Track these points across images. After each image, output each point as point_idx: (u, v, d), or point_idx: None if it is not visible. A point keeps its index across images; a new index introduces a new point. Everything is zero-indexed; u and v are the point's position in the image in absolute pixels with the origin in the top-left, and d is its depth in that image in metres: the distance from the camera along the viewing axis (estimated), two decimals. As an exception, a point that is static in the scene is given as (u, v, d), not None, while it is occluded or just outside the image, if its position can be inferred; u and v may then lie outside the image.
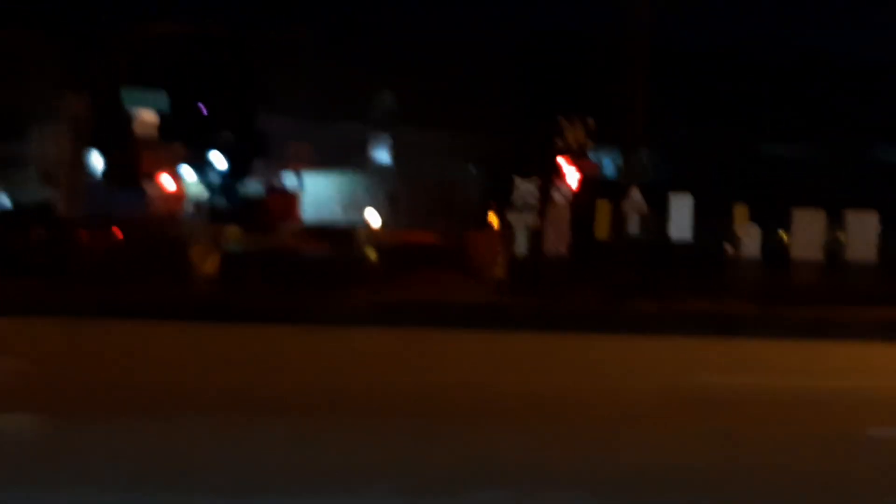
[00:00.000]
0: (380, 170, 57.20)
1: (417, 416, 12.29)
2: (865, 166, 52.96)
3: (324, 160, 53.65)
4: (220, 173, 60.28)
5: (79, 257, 26.55)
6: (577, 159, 30.48)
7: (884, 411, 13.77)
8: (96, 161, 42.62)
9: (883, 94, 57.82)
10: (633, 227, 27.04)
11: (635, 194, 27.06)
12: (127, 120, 31.10)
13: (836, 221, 28.05)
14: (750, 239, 27.31)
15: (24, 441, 10.33)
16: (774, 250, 27.99)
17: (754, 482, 9.83)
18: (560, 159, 30.60)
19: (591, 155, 34.19)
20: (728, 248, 27.54)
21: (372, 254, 32.65)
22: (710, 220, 27.78)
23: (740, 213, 27.18)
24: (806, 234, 27.64)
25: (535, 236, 26.79)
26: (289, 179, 53.14)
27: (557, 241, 26.46)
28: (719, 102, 54.92)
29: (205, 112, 56.23)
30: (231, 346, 18.11)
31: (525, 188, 26.93)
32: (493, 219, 31.43)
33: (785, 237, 28.42)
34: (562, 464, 10.22)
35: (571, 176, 29.83)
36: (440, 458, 10.21)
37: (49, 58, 40.76)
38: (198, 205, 49.01)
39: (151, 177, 31.56)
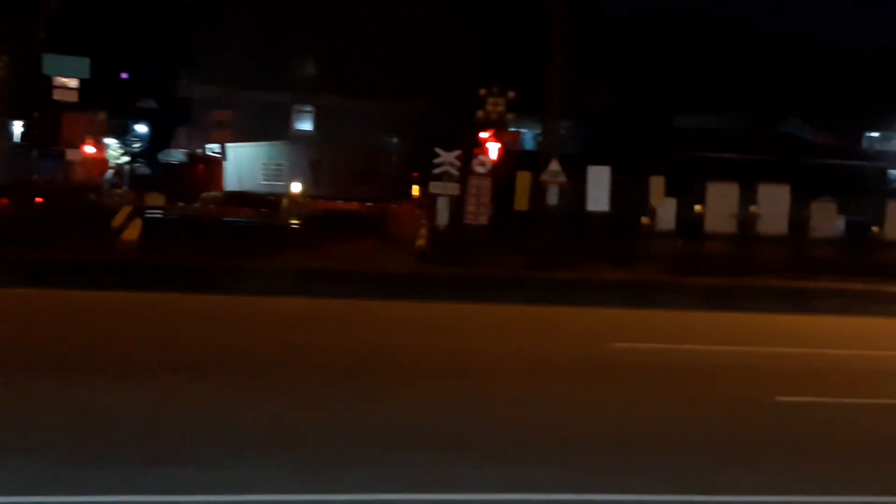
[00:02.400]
0: (302, 138, 57.08)
1: (335, 382, 12.51)
2: (778, 140, 53.75)
3: (247, 128, 53.49)
4: (143, 140, 59.87)
5: (-1, 222, 26.24)
6: (498, 131, 30.73)
7: (790, 378, 14.22)
8: (17, 127, 42.18)
9: (797, 68, 58.67)
10: (552, 197, 27.37)
11: (554, 165, 27.39)
12: (48, 85, 30.75)
13: (749, 194, 28.54)
14: (665, 211, 27.65)
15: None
16: (689, 222, 28.38)
17: (664, 444, 10.21)
18: (481, 130, 30.82)
19: (512, 126, 34.45)
20: (644, 219, 27.86)
21: (294, 221, 32.66)
22: (628, 192, 28.13)
23: (657, 185, 27.47)
24: (719, 206, 28.09)
25: (457, 206, 26.98)
26: (211, 147, 52.97)
27: (478, 212, 26.73)
28: (638, 75, 55.44)
29: (126, 78, 55.77)
30: (152, 312, 18.15)
31: (447, 159, 27.09)
32: (415, 188, 31.62)
33: (699, 209, 28.83)
34: (476, 427, 10.50)
35: (492, 147, 30.10)
36: (354, 423, 10.38)
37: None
38: (119, 171, 48.69)
39: (73, 143, 31.30)
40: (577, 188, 27.64)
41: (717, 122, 57.57)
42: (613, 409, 11.69)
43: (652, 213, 27.75)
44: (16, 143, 41.23)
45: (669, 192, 27.67)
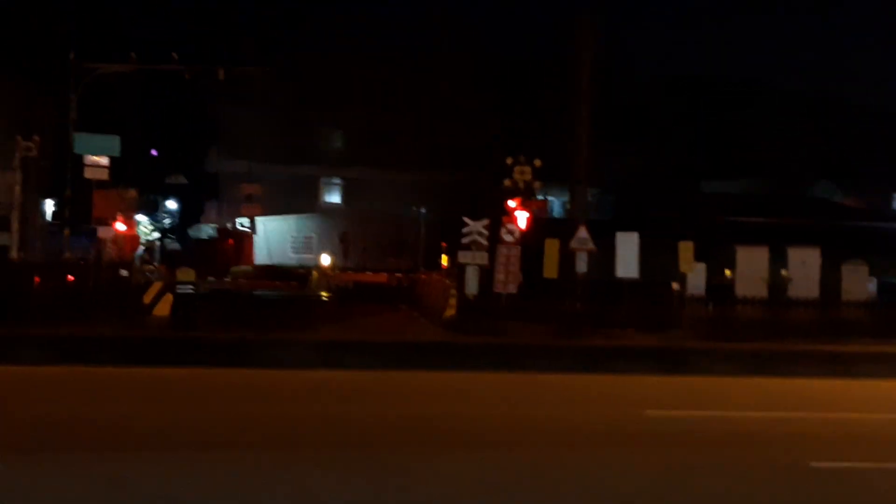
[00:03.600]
0: (331, 210, 57.32)
1: (365, 453, 12.46)
2: (807, 203, 53.55)
3: (276, 201, 53.78)
4: (173, 215, 60.37)
5: (32, 300, 26.39)
6: (526, 199, 30.78)
7: (825, 444, 14.12)
8: (49, 205, 42.61)
9: (824, 130, 58.60)
10: (581, 265, 27.32)
11: (582, 232, 27.37)
12: (79, 164, 31.09)
13: (779, 258, 28.42)
14: (695, 276, 27.54)
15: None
16: (720, 287, 28.26)
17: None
18: (509, 199, 30.89)
19: (539, 194, 34.54)
20: (674, 285, 27.75)
21: (324, 294, 32.75)
22: (657, 258, 28.05)
23: (685, 250, 27.39)
24: (750, 270, 27.97)
25: (486, 275, 26.96)
26: (241, 220, 53.24)
27: (507, 280, 26.71)
28: (664, 140, 55.56)
29: (156, 155, 56.36)
30: (184, 388, 18.19)
31: (475, 228, 27.14)
32: (443, 258, 31.68)
33: (730, 274, 28.72)
34: (508, 495, 10.42)
35: (520, 215, 30.14)
36: (384, 494, 10.34)
37: (0, 102, 40.66)
38: (150, 247, 49.04)
39: (104, 220, 31.55)
40: (605, 255, 27.59)
41: (745, 186, 57.50)
42: (649, 477, 11.58)
43: (682, 279, 27.65)
44: (48, 222, 41.63)
45: (699, 257, 27.57)
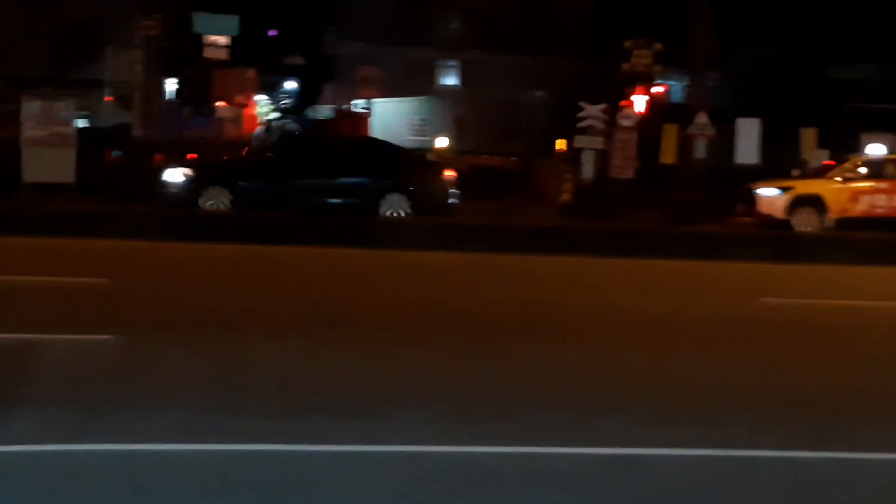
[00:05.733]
0: (448, 93, 57.09)
1: (478, 338, 12.48)
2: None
3: (392, 83, 53.76)
4: (291, 96, 60.67)
5: (153, 178, 26.89)
6: (645, 83, 30.28)
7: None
8: (170, 85, 43.13)
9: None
10: (700, 151, 26.95)
11: (702, 118, 26.96)
12: (199, 44, 31.27)
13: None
14: (817, 163, 27.07)
15: (106, 360, 10.48)
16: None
17: (813, 403, 9.93)
18: (627, 83, 30.44)
19: (659, 79, 33.98)
20: (796, 172, 27.28)
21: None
22: (778, 145, 27.56)
23: (808, 137, 26.91)
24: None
25: (602, 160, 26.79)
26: (358, 103, 53.39)
27: (623, 165, 26.49)
28: (787, 25, 54.10)
29: (274, 35, 56.47)
30: (303, 267, 18.43)
31: (592, 112, 26.90)
32: (560, 143, 31.47)
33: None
34: (622, 384, 10.38)
35: (638, 100, 29.72)
36: (496, 379, 10.30)
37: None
38: (269, 127, 49.47)
39: (224, 100, 31.83)
40: (725, 141, 27.19)
41: (873, 72, 55.85)
42: (760, 367, 11.44)
43: (803, 166, 27.19)
44: (169, 101, 42.20)
45: (822, 144, 27.08)
